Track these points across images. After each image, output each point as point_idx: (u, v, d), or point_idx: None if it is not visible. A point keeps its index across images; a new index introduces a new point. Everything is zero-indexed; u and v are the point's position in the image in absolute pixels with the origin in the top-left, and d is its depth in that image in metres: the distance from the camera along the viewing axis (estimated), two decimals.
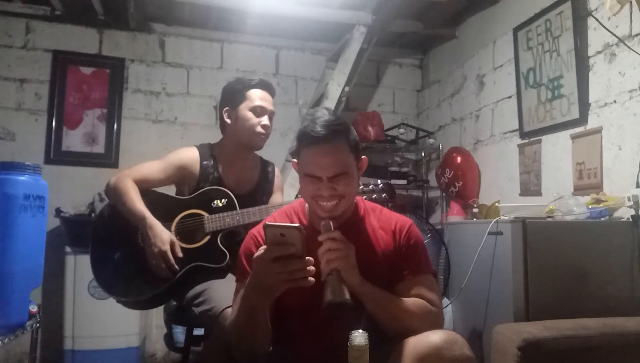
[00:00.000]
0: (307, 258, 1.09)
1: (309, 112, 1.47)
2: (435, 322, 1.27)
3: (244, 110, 1.89)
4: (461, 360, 1.13)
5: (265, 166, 2.05)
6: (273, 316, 1.28)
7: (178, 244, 1.74)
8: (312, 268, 1.10)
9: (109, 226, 1.86)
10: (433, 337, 1.14)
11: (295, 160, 1.37)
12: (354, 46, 3.28)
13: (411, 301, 1.26)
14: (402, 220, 1.40)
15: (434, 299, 1.30)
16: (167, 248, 1.71)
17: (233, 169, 1.94)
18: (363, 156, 1.37)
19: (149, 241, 1.72)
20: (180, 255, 1.73)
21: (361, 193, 1.81)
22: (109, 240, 1.83)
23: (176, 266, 1.72)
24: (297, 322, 1.33)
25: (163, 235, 1.72)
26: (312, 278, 1.10)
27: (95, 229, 1.88)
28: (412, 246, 1.35)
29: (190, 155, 1.92)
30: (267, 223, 1.11)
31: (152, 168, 1.87)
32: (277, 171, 2.09)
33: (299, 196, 2.81)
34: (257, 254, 1.13)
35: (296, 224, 1.10)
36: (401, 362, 1.14)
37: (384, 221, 1.39)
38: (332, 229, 1.20)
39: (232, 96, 1.92)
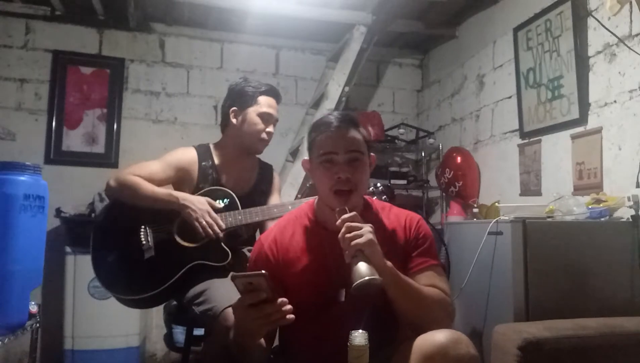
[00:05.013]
0: (279, 300, 1.11)
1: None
2: (450, 311, 1.31)
3: (252, 114, 1.91)
4: (466, 359, 1.13)
5: (263, 168, 2.06)
6: None
7: (213, 202, 1.79)
8: (288, 307, 1.12)
9: (112, 224, 1.85)
10: (438, 336, 1.15)
11: (306, 158, 1.40)
12: (354, 45, 3.28)
13: (429, 289, 1.29)
14: (411, 215, 1.44)
15: (447, 289, 1.33)
16: (207, 207, 1.76)
17: (232, 170, 1.94)
18: (372, 154, 1.40)
19: (189, 213, 1.74)
20: (220, 206, 1.78)
21: None
22: (111, 238, 1.83)
23: (221, 222, 1.76)
24: (305, 322, 1.32)
25: (198, 199, 1.77)
26: (291, 315, 1.12)
27: (97, 227, 1.86)
28: (422, 238, 1.39)
29: (188, 156, 1.91)
30: (234, 274, 1.12)
31: (152, 168, 1.86)
32: (275, 174, 2.11)
33: (299, 196, 2.82)
34: (234, 304, 1.17)
35: (261, 272, 1.10)
36: (406, 361, 1.15)
37: (393, 218, 1.42)
38: (348, 212, 1.22)
39: (242, 97, 1.92)
